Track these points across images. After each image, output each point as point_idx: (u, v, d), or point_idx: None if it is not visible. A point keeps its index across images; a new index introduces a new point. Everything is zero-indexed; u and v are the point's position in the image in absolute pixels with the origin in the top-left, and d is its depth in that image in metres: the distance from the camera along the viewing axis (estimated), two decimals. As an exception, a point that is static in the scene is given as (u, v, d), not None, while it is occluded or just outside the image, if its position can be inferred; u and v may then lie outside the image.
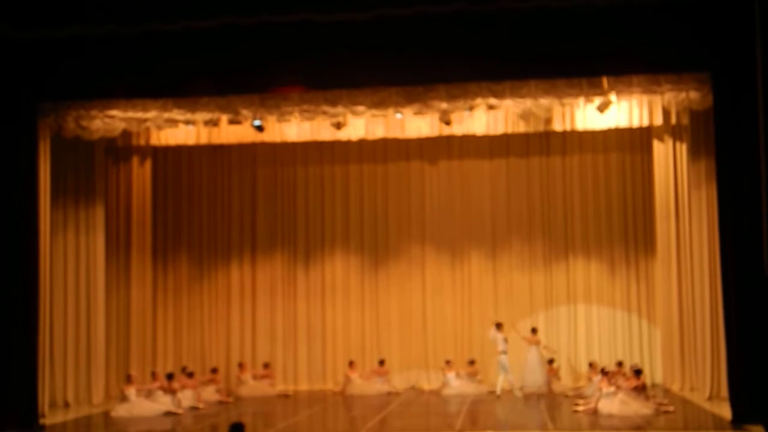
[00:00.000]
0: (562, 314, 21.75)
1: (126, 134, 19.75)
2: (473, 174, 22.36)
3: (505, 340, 20.08)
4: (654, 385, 20.09)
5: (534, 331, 20.79)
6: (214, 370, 21.16)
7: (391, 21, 15.64)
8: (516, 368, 20.44)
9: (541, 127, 20.23)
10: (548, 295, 21.89)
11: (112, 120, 17.72)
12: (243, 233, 22.89)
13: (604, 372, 17.87)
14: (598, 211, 21.91)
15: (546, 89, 16.54)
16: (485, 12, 15.46)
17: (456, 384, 20.71)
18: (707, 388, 18.07)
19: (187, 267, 22.65)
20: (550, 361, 20.89)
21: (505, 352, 19.94)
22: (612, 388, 17.13)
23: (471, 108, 17.61)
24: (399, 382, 21.61)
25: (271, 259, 22.77)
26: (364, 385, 21.08)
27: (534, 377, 20.35)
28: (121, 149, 21.27)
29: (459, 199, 22.41)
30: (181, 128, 19.60)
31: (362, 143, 21.74)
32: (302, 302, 22.59)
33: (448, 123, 19.18)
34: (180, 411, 18.49)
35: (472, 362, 21.10)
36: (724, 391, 16.48)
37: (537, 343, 20.62)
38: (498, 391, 19.84)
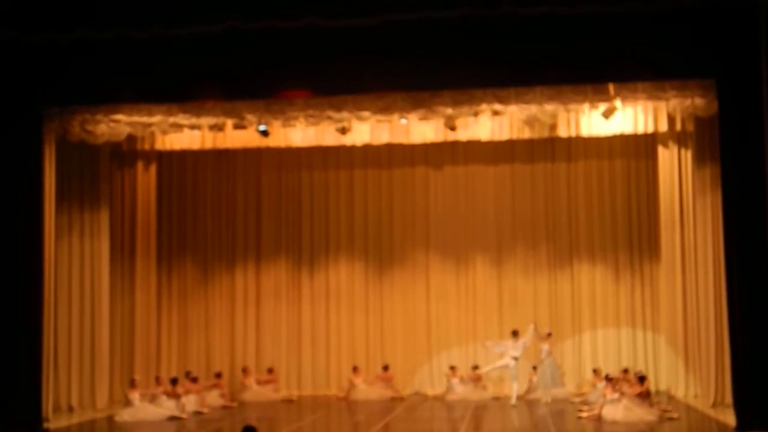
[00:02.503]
0: (567, 320, 21.74)
1: (131, 139, 19.79)
2: (478, 180, 22.36)
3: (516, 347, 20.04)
4: (658, 392, 20.05)
5: (549, 334, 20.54)
6: (218, 375, 21.17)
7: (397, 26, 15.62)
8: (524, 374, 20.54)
9: (545, 133, 20.23)
10: (553, 302, 21.87)
11: (117, 124, 17.72)
12: (247, 238, 22.90)
13: (608, 378, 17.85)
14: (602, 217, 21.91)
15: (551, 95, 16.54)
16: (491, 18, 15.44)
17: (460, 390, 20.70)
18: (711, 394, 18.06)
19: (192, 272, 22.66)
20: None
21: (516, 359, 19.85)
22: (616, 395, 17.11)
23: (476, 114, 17.60)
24: (403, 387, 21.59)
25: (276, 264, 22.77)
26: (368, 390, 21.07)
27: (556, 380, 20.26)
28: (126, 154, 21.27)
29: (463, 204, 22.41)
30: (186, 133, 19.61)
31: (367, 148, 21.75)
32: (306, 307, 22.59)
33: (453, 128, 19.16)
34: (184, 416, 18.50)
35: (476, 368, 21.07)
36: (729, 398, 16.42)
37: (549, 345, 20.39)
38: (514, 401, 19.63)
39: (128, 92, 16.81)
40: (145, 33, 16.06)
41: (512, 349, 19.72)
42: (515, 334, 19.89)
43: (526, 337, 19.88)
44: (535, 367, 20.77)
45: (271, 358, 22.35)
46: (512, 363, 19.67)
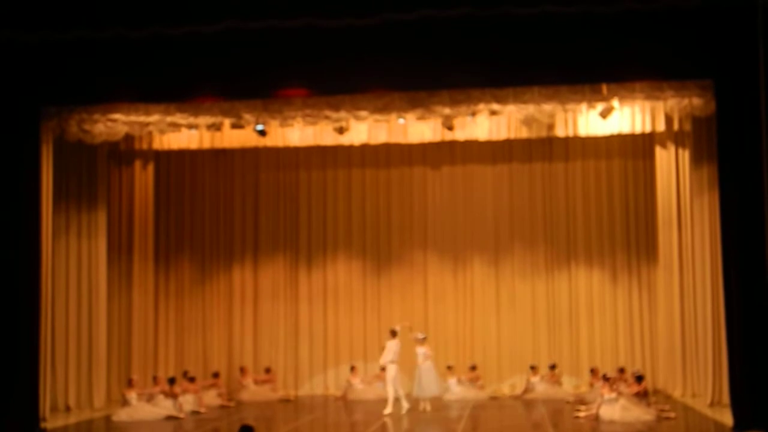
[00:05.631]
0: (564, 321, 21.75)
1: (128, 138, 19.75)
2: (476, 179, 22.37)
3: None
4: (655, 392, 20.07)
5: (424, 339, 19.22)
6: (216, 375, 21.16)
7: (395, 26, 15.63)
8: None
9: (543, 133, 20.24)
10: (550, 302, 21.88)
11: (114, 124, 17.69)
12: (245, 237, 22.90)
13: (605, 378, 17.84)
14: (600, 217, 21.92)
15: (549, 95, 16.53)
16: (489, 18, 15.46)
17: (457, 389, 20.69)
18: (709, 394, 18.06)
19: (189, 271, 22.65)
20: (552, 367, 20.92)
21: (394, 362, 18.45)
22: (613, 394, 17.12)
23: (474, 113, 17.60)
24: (401, 387, 21.50)
25: (273, 263, 22.77)
26: (366, 390, 21.04)
27: (432, 386, 18.83)
28: (123, 153, 21.27)
29: (461, 204, 22.41)
30: (183, 132, 19.57)
31: (365, 148, 21.75)
32: (304, 307, 22.60)
33: (450, 128, 19.16)
34: (181, 415, 18.49)
35: (473, 368, 21.09)
36: (726, 398, 16.46)
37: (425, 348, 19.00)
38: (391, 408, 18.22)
39: (126, 92, 16.82)
40: (142, 33, 16.06)
41: (392, 353, 18.43)
42: (394, 333, 18.70)
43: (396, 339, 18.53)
44: (533, 367, 20.78)
45: (269, 357, 22.36)
46: (393, 368, 18.44)
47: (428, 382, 18.68)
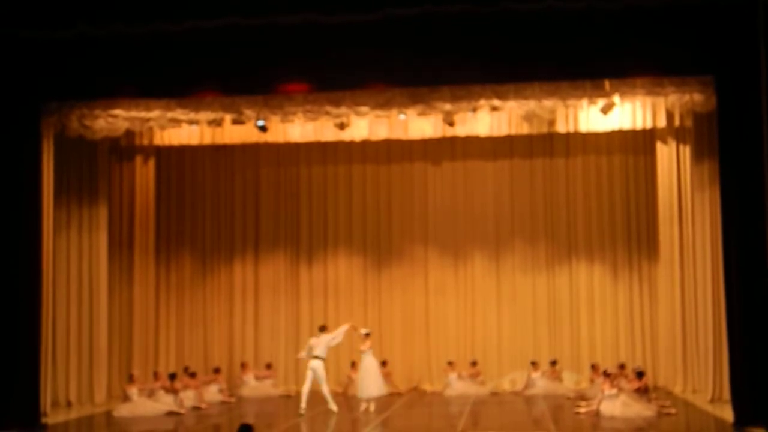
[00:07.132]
0: (565, 316, 21.75)
1: (129, 134, 19.75)
2: (476, 175, 22.36)
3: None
4: (656, 388, 20.08)
5: (367, 335, 18.57)
6: (217, 370, 21.17)
7: (396, 22, 15.63)
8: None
9: (544, 129, 20.22)
10: (551, 298, 21.88)
11: (115, 119, 17.68)
12: (246, 233, 22.90)
13: (606, 374, 17.83)
14: (601, 213, 21.92)
15: (550, 91, 16.51)
16: (490, 14, 15.45)
17: (458, 385, 20.72)
18: (709, 390, 18.09)
19: (190, 266, 22.66)
20: (553, 362, 20.93)
21: (321, 359, 18.00)
22: (614, 390, 17.12)
23: (474, 109, 17.59)
24: (401, 383, 21.59)
25: (274, 258, 22.77)
26: (367, 385, 21.02)
27: (378, 385, 18.29)
28: (124, 149, 21.30)
29: (462, 200, 22.41)
30: (184, 128, 19.62)
31: (365, 144, 21.73)
32: (305, 302, 22.60)
33: (451, 124, 19.15)
34: (182, 411, 18.51)
35: (474, 363, 21.12)
36: (727, 394, 16.47)
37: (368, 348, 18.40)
38: (332, 405, 18.00)
39: (126, 88, 16.82)
40: (143, 28, 16.06)
41: (315, 347, 17.97)
42: (322, 329, 18.30)
43: (333, 335, 18.08)
44: (534, 363, 20.79)
45: (270, 353, 22.36)
46: (316, 363, 17.94)
47: (371, 379, 18.13)
